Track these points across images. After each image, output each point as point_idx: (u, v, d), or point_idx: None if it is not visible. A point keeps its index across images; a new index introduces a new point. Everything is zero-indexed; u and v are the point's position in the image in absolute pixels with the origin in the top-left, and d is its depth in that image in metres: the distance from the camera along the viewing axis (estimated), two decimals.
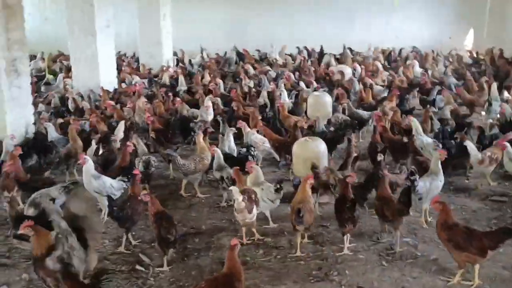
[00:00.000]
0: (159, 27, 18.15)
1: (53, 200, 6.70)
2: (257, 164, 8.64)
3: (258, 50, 21.17)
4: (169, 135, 10.12)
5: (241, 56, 20.15)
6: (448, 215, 5.72)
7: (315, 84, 13.70)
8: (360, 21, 21.89)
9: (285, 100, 12.25)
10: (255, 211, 6.60)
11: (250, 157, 8.59)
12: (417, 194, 7.03)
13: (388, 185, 6.80)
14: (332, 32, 21.17)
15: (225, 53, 20.67)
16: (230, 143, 9.27)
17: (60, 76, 15.90)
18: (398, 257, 6.34)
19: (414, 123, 9.12)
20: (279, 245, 6.75)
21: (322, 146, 8.44)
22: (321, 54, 19.70)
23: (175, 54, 20.69)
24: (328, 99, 11.89)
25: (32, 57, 20.58)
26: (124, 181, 7.48)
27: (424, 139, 8.89)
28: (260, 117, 10.68)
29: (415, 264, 6.16)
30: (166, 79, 15.70)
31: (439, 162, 7.23)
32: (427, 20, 21.79)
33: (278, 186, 7.03)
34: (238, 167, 7.36)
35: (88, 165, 7.36)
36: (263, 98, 12.93)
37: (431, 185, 7.14)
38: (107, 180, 7.40)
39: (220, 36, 22.04)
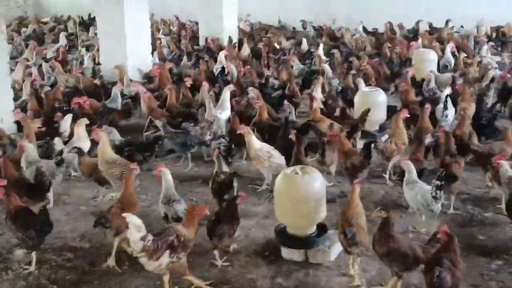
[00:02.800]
0: None
1: None
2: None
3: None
4: None
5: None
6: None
7: None
8: None
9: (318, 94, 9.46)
10: (165, 260, 4.77)
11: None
12: None
13: None
14: (435, 4, 17.28)
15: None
16: None
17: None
18: None
19: None
20: None
21: (317, 182, 5.65)
22: (416, 32, 16.06)
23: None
24: (382, 98, 8.86)
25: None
26: None
27: None
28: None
29: None
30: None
31: None
32: None
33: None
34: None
35: None
36: None
37: None
38: None
39: (298, 8, 19.12)
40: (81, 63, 13.23)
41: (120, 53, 11.98)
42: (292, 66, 12.21)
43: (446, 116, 8.71)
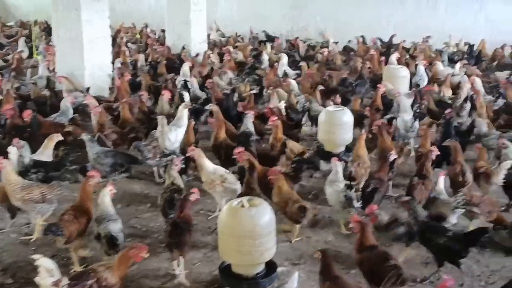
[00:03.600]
0: (188, 2, 14.99)
1: None
2: None
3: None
4: None
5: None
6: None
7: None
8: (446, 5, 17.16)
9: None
10: None
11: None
12: None
13: None
14: (410, 18, 16.95)
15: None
16: None
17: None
18: None
19: None
20: None
21: (265, 215, 5.09)
22: (389, 46, 15.65)
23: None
24: (347, 118, 8.34)
25: None
26: None
27: None
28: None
29: None
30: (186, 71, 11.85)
31: None
32: None
33: None
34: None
35: None
36: None
37: None
38: None
39: (274, 16, 18.66)
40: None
41: (77, 61, 11.30)
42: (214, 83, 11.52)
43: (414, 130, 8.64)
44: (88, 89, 10.33)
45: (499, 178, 6.78)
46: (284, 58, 12.93)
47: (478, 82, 10.71)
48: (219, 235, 5.17)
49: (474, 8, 16.56)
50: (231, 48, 14.96)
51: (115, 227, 5.31)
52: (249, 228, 4.95)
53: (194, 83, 10.68)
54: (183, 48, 14.78)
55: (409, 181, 6.80)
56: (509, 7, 16.21)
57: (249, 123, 8.43)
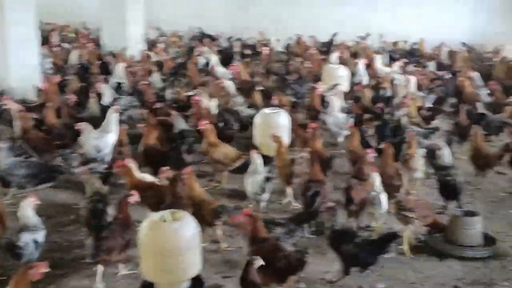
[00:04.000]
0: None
1: None
2: None
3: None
4: None
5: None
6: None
7: None
8: (385, 5, 17.36)
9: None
10: None
11: None
12: None
13: None
14: (350, 18, 16.99)
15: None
16: None
17: None
18: None
19: None
20: None
21: (189, 230, 4.76)
22: (330, 45, 15.59)
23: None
24: (283, 120, 8.11)
25: None
26: None
27: None
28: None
29: None
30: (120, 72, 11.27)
31: None
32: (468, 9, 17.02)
33: None
34: None
35: None
36: None
37: None
38: None
39: (216, 16, 18.37)
40: None
41: (2, 63, 10.65)
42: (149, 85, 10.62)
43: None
44: (1, 92, 9.67)
45: (418, 163, 7.01)
46: (214, 58, 12.61)
47: (413, 82, 10.74)
48: (140, 252, 4.82)
49: (413, 8, 16.73)
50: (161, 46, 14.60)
51: (26, 237, 4.98)
52: (172, 243, 4.64)
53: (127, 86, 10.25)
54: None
55: (346, 183, 6.59)
56: (447, 7, 16.52)
57: (181, 124, 8.15)
